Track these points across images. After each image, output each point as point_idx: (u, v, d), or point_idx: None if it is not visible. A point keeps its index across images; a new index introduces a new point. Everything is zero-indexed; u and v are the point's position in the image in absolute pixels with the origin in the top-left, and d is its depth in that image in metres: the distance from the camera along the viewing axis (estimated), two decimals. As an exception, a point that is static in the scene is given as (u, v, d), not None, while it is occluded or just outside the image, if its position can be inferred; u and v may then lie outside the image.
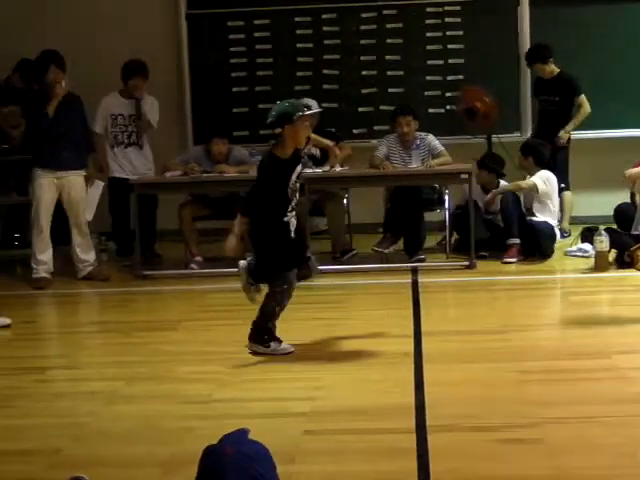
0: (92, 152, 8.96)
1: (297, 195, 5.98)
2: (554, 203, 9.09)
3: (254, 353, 6.01)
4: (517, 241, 8.81)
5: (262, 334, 6.02)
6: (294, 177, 5.88)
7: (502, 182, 9.32)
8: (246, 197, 6.09)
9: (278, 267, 5.90)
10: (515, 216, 8.86)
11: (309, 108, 6.20)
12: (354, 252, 9.17)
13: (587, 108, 9.82)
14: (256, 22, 10.68)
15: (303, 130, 5.89)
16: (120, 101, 9.44)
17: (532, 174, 9.06)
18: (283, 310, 6.01)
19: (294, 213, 5.94)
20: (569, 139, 9.89)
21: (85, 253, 8.72)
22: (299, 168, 5.96)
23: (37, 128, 8.50)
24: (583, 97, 9.80)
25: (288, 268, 5.92)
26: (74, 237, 8.68)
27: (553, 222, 9.04)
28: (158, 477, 4.08)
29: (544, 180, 8.98)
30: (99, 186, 8.94)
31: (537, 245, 8.81)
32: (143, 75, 9.37)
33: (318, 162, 9.22)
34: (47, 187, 8.49)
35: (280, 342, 6.03)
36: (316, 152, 9.25)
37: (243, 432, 2.30)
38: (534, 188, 8.92)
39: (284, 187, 5.82)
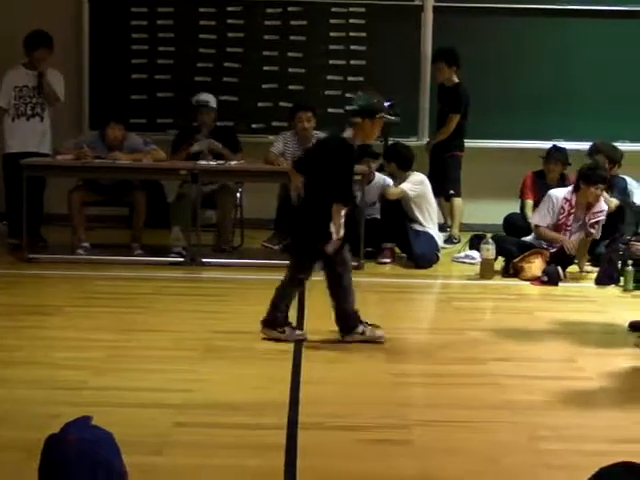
0: None
1: None
2: (431, 206, 9.12)
3: (267, 339, 6.06)
4: (390, 245, 9.03)
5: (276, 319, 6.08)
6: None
7: (376, 174, 9.26)
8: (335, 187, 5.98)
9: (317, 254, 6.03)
10: (391, 221, 8.94)
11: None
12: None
13: (449, 129, 9.83)
14: (160, 10, 10.57)
15: (378, 129, 6.14)
16: (24, 73, 9.18)
17: (402, 179, 9.09)
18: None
19: None
20: (463, 147, 9.98)
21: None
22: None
23: None
24: (455, 117, 9.80)
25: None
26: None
27: (434, 230, 9.07)
28: (22, 461, 3.99)
29: (415, 184, 9.02)
30: None
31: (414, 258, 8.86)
32: (48, 46, 9.13)
33: (219, 157, 9.18)
34: None
35: (294, 329, 6.14)
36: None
37: (86, 419, 2.28)
38: (404, 195, 8.96)
39: (352, 172, 6.04)
